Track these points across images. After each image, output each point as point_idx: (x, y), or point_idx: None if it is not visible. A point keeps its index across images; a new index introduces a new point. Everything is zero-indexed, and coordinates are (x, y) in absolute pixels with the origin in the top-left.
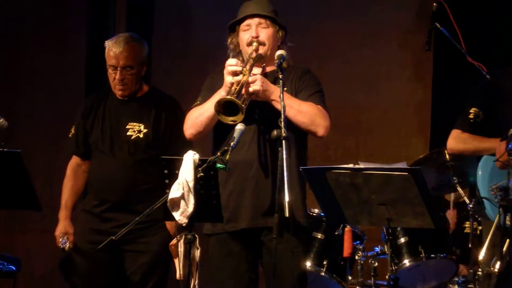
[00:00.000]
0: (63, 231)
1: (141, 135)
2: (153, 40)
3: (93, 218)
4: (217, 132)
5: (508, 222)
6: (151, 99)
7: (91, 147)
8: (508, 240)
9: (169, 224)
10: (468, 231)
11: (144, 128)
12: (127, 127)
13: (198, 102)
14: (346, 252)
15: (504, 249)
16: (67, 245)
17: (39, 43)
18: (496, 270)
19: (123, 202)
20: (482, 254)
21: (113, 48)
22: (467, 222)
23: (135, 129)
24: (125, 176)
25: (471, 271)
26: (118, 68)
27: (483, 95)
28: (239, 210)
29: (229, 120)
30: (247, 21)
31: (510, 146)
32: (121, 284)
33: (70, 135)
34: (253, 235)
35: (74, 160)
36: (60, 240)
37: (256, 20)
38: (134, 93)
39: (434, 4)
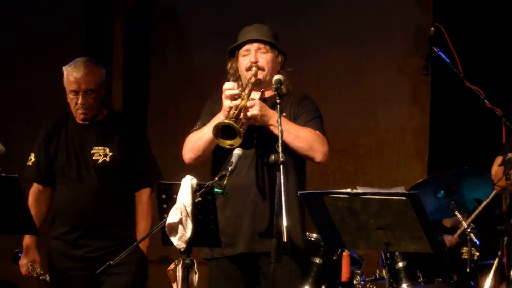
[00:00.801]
0: (31, 259)
1: (108, 159)
2: (150, 64)
3: (65, 244)
4: (215, 157)
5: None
6: (112, 122)
7: (54, 173)
8: None
9: (142, 244)
10: (466, 256)
11: (110, 151)
12: (92, 151)
13: (197, 127)
14: (344, 276)
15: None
16: (42, 278)
17: (34, 70)
18: None
19: (94, 227)
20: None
21: (73, 73)
22: (465, 248)
23: (101, 153)
24: (95, 201)
25: None
26: (80, 93)
27: None
28: (237, 234)
29: (227, 144)
30: (247, 46)
31: (507, 171)
32: None
33: (30, 163)
34: (251, 260)
35: (36, 187)
36: (31, 269)
37: (255, 45)
38: (94, 117)
39: (432, 28)
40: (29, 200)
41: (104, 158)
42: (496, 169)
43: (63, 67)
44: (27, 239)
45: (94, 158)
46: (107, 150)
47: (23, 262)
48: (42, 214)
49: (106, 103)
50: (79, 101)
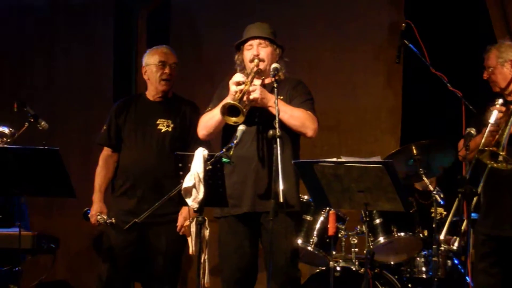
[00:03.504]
0: (99, 210)
1: (170, 129)
2: None
3: (129, 201)
4: (224, 133)
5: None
6: (175, 101)
7: (122, 140)
8: (465, 222)
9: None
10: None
11: (172, 123)
12: (157, 122)
13: (210, 108)
14: (331, 231)
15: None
16: (108, 221)
17: (72, 62)
18: (455, 247)
19: (153, 185)
20: (442, 234)
21: (162, 49)
22: (433, 208)
23: (164, 124)
24: (156, 164)
25: (434, 247)
26: (168, 64)
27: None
28: (242, 197)
29: (232, 121)
30: (250, 42)
31: (466, 143)
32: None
33: (103, 130)
34: (254, 218)
35: (106, 151)
36: (98, 217)
37: (257, 41)
38: (167, 93)
39: (403, 24)
40: (100, 162)
41: (167, 128)
42: (460, 142)
43: (148, 50)
44: (95, 196)
45: (158, 128)
46: (170, 122)
47: (92, 213)
48: (110, 174)
49: (136, 85)
50: (167, 71)
